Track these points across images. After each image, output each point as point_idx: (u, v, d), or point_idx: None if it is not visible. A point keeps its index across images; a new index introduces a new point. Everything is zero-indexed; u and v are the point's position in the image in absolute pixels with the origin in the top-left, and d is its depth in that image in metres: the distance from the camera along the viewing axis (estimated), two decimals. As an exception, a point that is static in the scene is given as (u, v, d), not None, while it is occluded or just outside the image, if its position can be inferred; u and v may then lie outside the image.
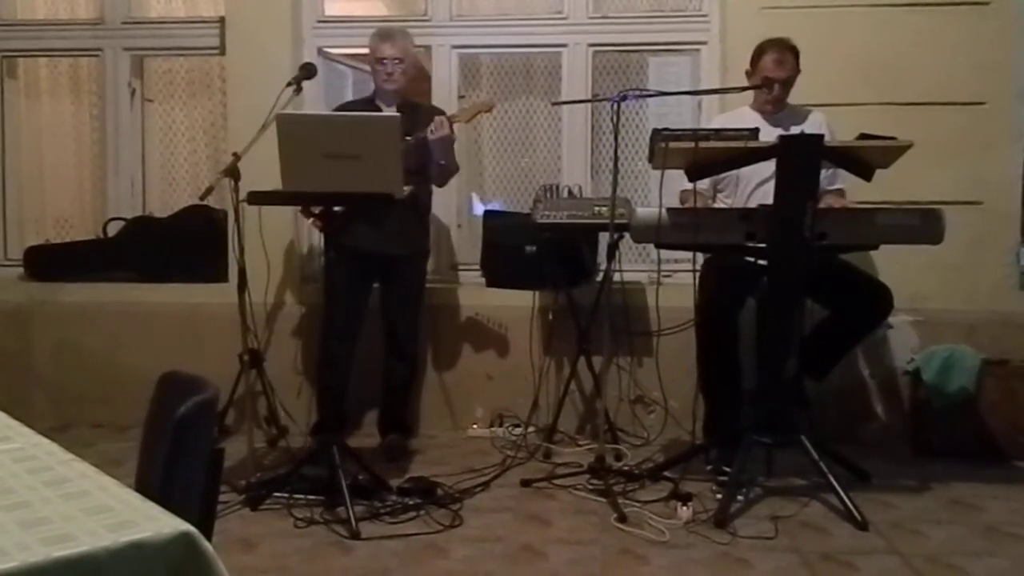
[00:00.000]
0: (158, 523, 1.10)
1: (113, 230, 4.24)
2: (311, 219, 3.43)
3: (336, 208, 3.08)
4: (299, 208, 3.54)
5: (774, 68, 3.28)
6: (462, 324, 4.01)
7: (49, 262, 4.26)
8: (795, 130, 3.19)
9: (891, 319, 3.51)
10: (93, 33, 4.28)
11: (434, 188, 3.68)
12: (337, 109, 3.64)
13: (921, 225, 2.98)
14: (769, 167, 3.03)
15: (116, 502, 1.17)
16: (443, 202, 4.08)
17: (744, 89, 3.36)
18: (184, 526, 1.09)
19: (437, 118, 3.34)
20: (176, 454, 1.35)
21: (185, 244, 4.17)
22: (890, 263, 3.51)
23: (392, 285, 3.60)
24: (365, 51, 3.69)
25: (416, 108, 3.55)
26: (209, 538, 1.18)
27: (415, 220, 3.58)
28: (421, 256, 3.68)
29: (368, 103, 3.57)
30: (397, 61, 3.47)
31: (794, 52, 3.31)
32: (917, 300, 3.69)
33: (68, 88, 4.53)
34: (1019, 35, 3.75)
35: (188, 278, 4.13)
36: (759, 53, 3.33)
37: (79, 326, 4.11)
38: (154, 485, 1.35)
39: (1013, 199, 3.78)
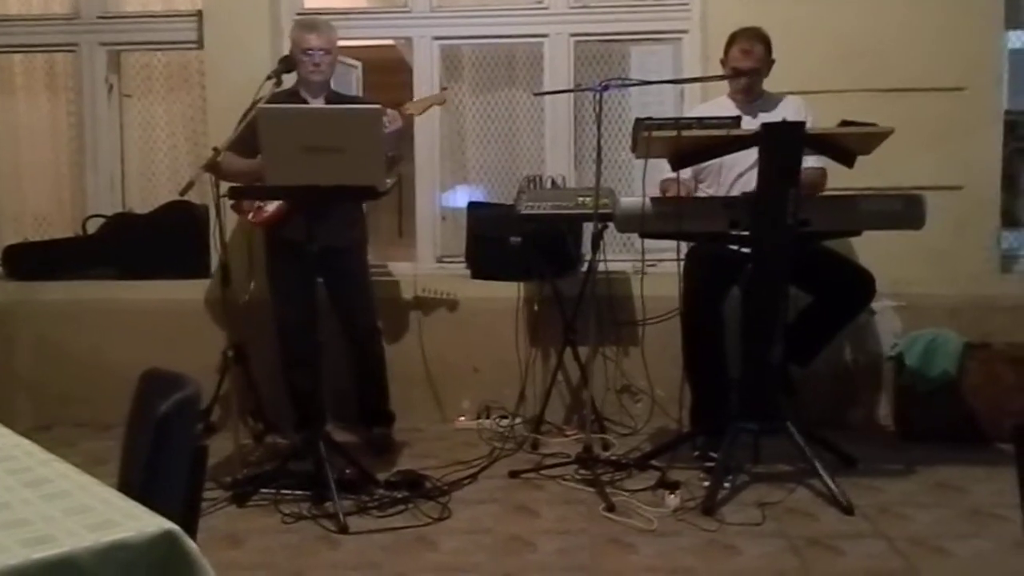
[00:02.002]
0: (140, 522, 1.08)
1: (93, 227, 4.20)
2: (249, 215, 3.38)
3: (277, 202, 3.01)
4: (231, 204, 3.39)
5: (741, 58, 3.28)
6: (447, 316, 3.99)
7: (28, 261, 4.21)
8: (766, 117, 3.17)
9: (874, 304, 3.52)
10: (68, 28, 4.23)
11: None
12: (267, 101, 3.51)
13: (903, 210, 3.00)
14: (749, 156, 3.04)
15: (97, 502, 1.16)
16: (427, 193, 4.06)
17: (723, 78, 3.36)
18: (167, 525, 1.08)
19: (391, 111, 3.30)
20: (158, 452, 1.33)
21: (166, 240, 4.11)
22: (872, 249, 3.52)
23: (338, 278, 3.50)
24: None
25: (344, 101, 3.53)
26: (193, 536, 1.17)
27: (354, 210, 3.53)
28: (363, 245, 3.63)
29: (292, 95, 3.45)
30: (323, 52, 3.41)
31: (764, 41, 3.29)
32: (900, 285, 3.70)
33: (44, 84, 4.46)
34: (999, 21, 3.76)
35: (170, 274, 4.08)
36: (729, 43, 3.33)
37: (60, 325, 4.07)
38: (136, 484, 1.33)
39: (993, 184, 3.80)
